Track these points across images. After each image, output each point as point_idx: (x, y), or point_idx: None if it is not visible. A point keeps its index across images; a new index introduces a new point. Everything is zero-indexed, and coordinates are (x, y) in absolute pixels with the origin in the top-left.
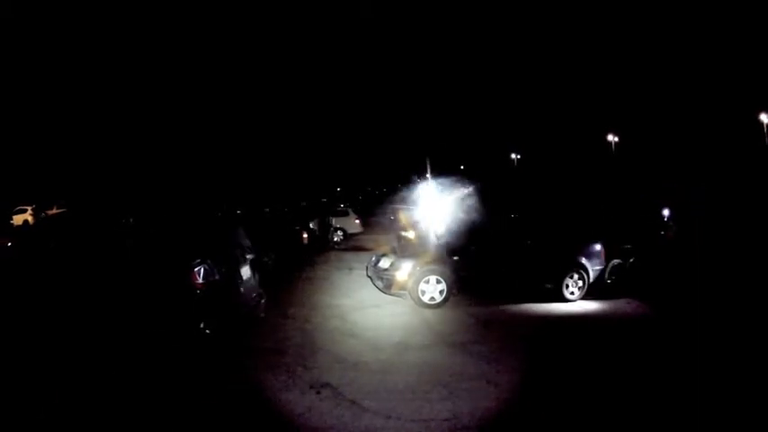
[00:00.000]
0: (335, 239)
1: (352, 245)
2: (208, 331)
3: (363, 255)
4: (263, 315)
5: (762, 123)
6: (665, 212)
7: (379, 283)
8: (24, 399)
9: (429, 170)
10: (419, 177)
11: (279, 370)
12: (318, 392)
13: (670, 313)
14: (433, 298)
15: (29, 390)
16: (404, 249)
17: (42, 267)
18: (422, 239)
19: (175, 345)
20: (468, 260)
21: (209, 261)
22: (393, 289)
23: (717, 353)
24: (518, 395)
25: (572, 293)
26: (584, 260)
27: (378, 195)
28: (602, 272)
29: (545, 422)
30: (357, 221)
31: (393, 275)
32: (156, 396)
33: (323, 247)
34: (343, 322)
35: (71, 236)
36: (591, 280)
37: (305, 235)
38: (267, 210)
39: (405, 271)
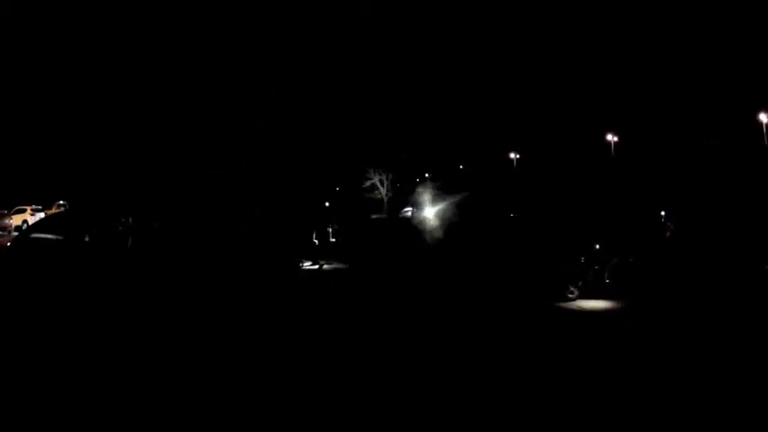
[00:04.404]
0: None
1: None
2: None
3: None
4: None
5: (761, 123)
6: (663, 212)
7: None
8: None
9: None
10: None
11: None
12: None
13: (665, 311)
14: None
15: None
16: None
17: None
18: None
19: None
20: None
21: None
22: None
23: (705, 347)
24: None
25: (571, 292)
26: (583, 260)
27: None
28: (601, 271)
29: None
30: None
31: None
32: None
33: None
34: None
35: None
36: (590, 279)
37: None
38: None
39: None
